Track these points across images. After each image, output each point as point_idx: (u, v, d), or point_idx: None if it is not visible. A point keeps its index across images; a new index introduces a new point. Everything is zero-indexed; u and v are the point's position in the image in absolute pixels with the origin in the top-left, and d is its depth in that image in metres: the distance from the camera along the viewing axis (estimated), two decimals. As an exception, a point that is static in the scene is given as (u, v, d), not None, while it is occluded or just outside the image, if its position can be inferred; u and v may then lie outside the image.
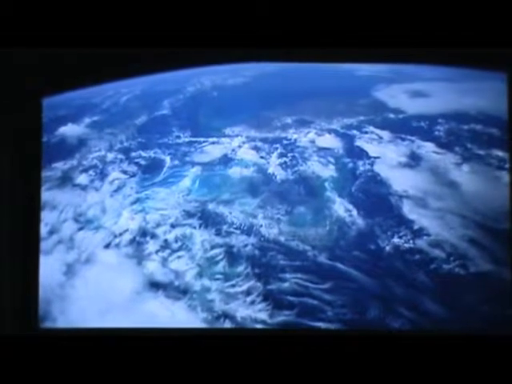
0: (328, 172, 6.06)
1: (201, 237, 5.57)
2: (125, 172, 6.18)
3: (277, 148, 6.33)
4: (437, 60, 5.58)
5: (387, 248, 5.32)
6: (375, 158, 6.09)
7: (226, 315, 5.11)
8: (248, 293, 5.19)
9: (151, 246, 5.55)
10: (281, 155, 6.25)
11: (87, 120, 6.67)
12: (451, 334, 4.93)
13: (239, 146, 6.35)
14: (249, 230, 5.59)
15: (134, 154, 6.34)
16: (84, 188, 6.01)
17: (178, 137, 6.55)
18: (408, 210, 5.58)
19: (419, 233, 5.39)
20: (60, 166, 6.04)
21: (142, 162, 6.28)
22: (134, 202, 5.87)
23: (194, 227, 5.66)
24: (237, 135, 6.42)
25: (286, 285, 5.22)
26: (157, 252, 5.50)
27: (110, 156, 6.32)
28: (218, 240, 5.54)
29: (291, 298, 5.14)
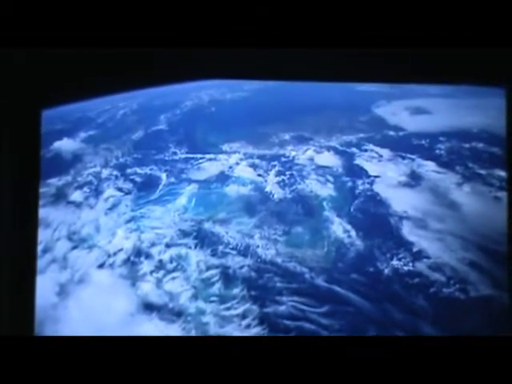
0: (326, 191, 5.97)
1: (196, 257, 5.48)
2: (120, 189, 6.10)
3: (275, 165, 6.26)
4: (436, 78, 5.49)
5: (386, 271, 5.22)
6: (375, 177, 6.01)
7: (220, 339, 5.00)
8: (244, 316, 5.08)
9: (146, 266, 5.45)
10: (279, 173, 6.17)
11: (83, 134, 6.61)
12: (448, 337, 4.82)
13: (237, 163, 6.27)
14: (245, 251, 5.50)
15: (129, 171, 6.27)
16: (78, 205, 5.93)
17: (175, 153, 6.47)
18: (408, 231, 5.49)
19: (419, 255, 5.30)
20: (54, 182, 5.97)
21: (138, 179, 6.20)
22: (129, 221, 5.78)
23: (190, 247, 5.56)
24: (234, 152, 6.36)
25: (282, 308, 5.11)
26: (151, 273, 5.40)
27: (106, 172, 6.25)
28: (214, 261, 5.45)
29: (287, 322, 5.03)
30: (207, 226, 5.75)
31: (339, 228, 5.61)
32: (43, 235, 5.51)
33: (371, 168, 6.06)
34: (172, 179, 6.14)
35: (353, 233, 5.56)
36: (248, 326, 5.02)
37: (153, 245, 5.61)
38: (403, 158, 6.05)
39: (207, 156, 6.25)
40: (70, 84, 5.54)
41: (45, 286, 5.21)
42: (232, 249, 5.55)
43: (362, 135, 6.41)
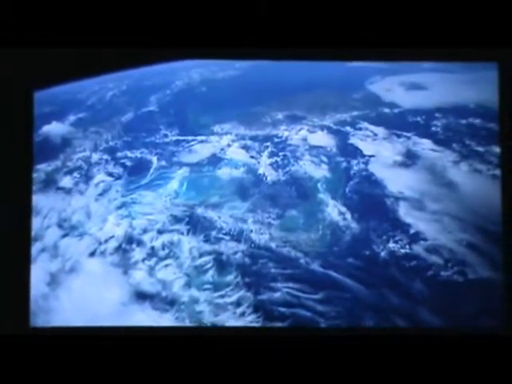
0: (321, 172, 5.84)
1: (189, 244, 5.39)
2: (110, 174, 5.96)
3: (267, 146, 6.10)
4: (428, 57, 5.40)
5: (382, 254, 5.15)
6: (370, 156, 5.87)
7: (215, 327, 4.96)
8: (238, 304, 5.04)
9: (137, 253, 5.37)
10: (271, 154, 6.03)
11: (72, 117, 6.43)
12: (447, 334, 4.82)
13: (228, 145, 6.13)
14: (238, 236, 5.41)
15: (119, 155, 6.12)
16: (68, 191, 5.80)
17: (166, 135, 6.32)
18: (404, 212, 5.39)
19: (416, 237, 5.23)
20: (43, 167, 5.82)
21: (128, 163, 6.05)
22: (120, 207, 5.67)
23: (182, 233, 5.47)
24: (226, 133, 6.20)
25: (277, 295, 5.07)
26: (143, 260, 5.33)
27: (95, 157, 6.09)
28: (207, 247, 5.37)
29: (283, 309, 5.00)
30: (199, 211, 5.64)
31: (334, 210, 5.52)
32: (33, 223, 5.41)
33: (366, 147, 5.91)
34: (163, 163, 6.00)
35: (348, 215, 5.46)
36: (243, 314, 4.97)
37: (144, 231, 5.51)
38: (398, 136, 5.90)
39: (198, 138, 6.10)
40: (60, 65, 5.47)
41: (36, 275, 5.14)
42: (225, 234, 5.45)
43: (355, 113, 6.23)
